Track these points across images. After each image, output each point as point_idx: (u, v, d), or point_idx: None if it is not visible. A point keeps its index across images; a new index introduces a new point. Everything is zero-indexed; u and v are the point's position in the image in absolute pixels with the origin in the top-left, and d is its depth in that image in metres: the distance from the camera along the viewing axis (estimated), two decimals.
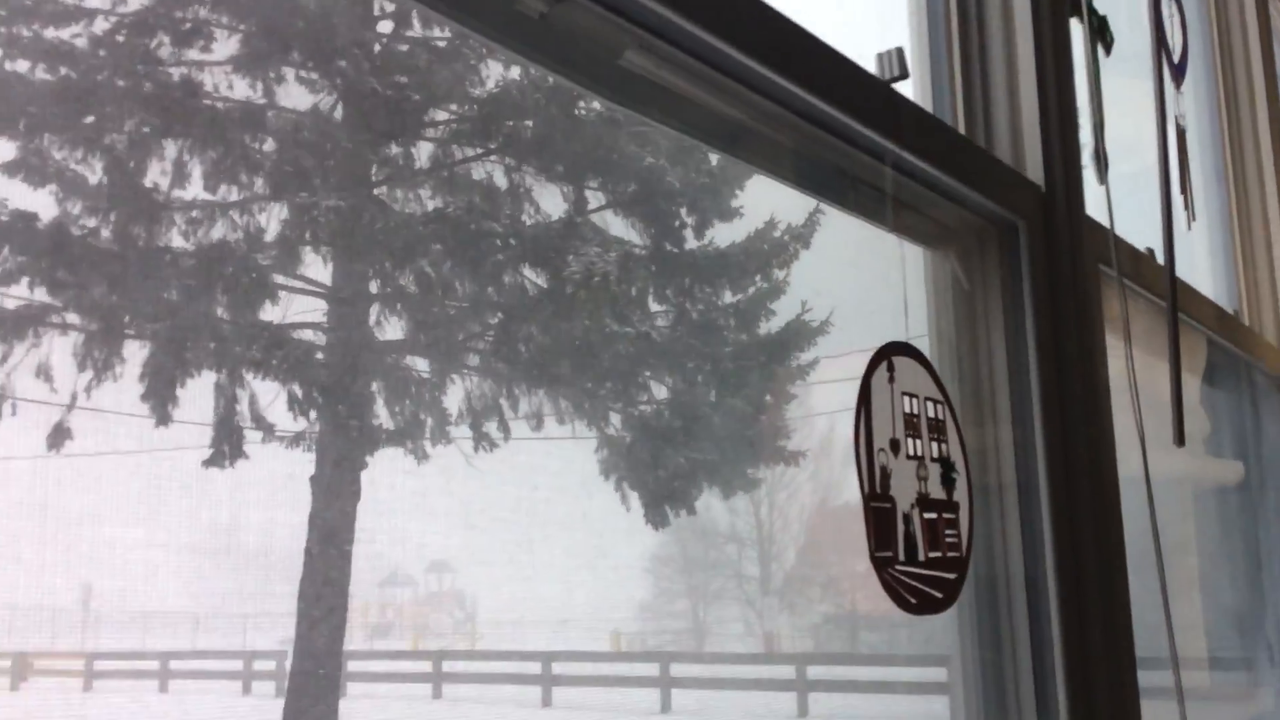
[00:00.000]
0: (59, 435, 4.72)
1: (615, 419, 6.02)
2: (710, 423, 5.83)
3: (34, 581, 4.50)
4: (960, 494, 1.37)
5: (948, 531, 1.33)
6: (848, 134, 1.33)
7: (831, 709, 7.50)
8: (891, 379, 1.27)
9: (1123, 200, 1.81)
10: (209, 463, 5.16)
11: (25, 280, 4.64)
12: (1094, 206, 1.75)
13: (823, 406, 6.91)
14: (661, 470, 5.86)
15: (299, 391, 5.32)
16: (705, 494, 6.34)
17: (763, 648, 7.74)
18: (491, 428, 5.84)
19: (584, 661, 8.03)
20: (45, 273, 4.51)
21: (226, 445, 5.08)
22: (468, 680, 7.53)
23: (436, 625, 7.59)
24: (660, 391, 6.06)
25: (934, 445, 1.33)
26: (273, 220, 5.21)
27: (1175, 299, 1.90)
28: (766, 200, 6.08)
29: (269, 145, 5.18)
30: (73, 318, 4.90)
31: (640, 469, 5.94)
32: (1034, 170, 1.67)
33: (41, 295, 4.74)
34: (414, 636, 7.61)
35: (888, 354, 1.28)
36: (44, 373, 4.66)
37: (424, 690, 7.46)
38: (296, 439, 5.34)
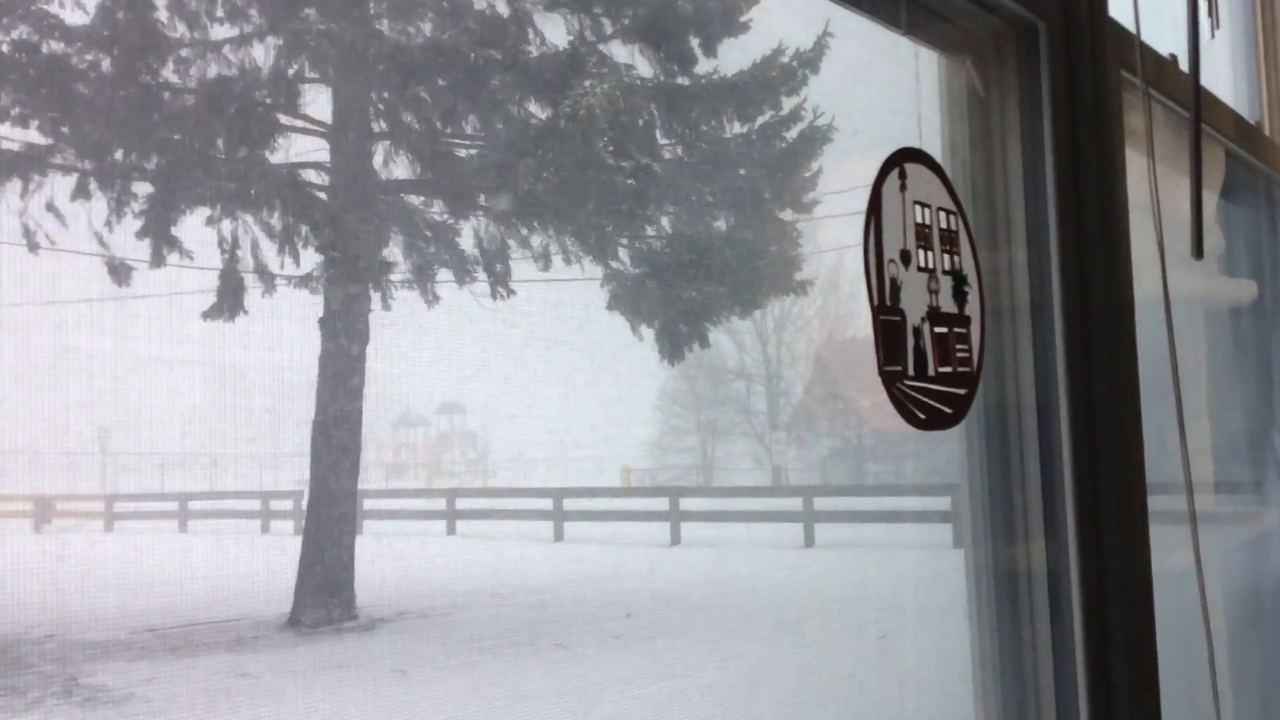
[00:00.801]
0: (75, 279, 4.69)
1: (624, 254, 5.97)
2: (720, 254, 5.78)
3: (52, 425, 4.53)
4: (972, 308, 1.33)
5: (958, 346, 1.30)
6: None
7: (838, 539, 7.64)
8: (903, 187, 1.22)
9: (1146, 4, 1.72)
10: (216, 308, 5.15)
11: (28, 117, 4.56)
12: (1117, 8, 1.67)
13: (830, 242, 6.85)
14: (672, 304, 5.84)
15: (304, 233, 5.27)
16: (715, 329, 6.33)
17: (770, 481, 7.84)
18: (497, 268, 5.80)
19: (594, 497, 8.17)
20: (43, 110, 4.42)
21: (235, 289, 5.06)
22: (481, 517, 7.68)
23: (449, 464, 7.70)
24: (666, 224, 6.00)
25: (946, 257, 1.29)
26: (269, 55, 5.08)
27: (1199, 108, 1.82)
28: (776, 21, 5.91)
29: None
30: (76, 160, 4.82)
31: (651, 303, 5.92)
32: None
33: (43, 134, 4.65)
34: (428, 475, 7.73)
35: (899, 160, 1.22)
36: (54, 213, 4.62)
37: (438, 527, 7.61)
38: (303, 280, 5.31)
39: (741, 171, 5.84)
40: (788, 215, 5.97)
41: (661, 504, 8.02)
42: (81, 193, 4.87)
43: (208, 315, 5.16)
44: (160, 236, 4.79)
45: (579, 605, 6.19)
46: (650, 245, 6.00)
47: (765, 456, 8.08)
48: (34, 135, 4.66)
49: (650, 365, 6.93)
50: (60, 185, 4.75)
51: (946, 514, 7.06)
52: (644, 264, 5.95)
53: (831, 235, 6.74)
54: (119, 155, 4.81)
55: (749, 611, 5.94)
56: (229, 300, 5.10)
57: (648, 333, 6.09)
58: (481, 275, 5.74)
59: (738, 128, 5.95)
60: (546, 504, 7.63)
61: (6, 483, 5.24)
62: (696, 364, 8.14)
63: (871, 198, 1.18)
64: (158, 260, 4.77)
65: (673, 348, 6.06)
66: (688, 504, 8.16)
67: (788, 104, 5.92)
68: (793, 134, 5.90)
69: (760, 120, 5.87)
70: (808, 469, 8.10)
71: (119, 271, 4.81)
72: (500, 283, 5.74)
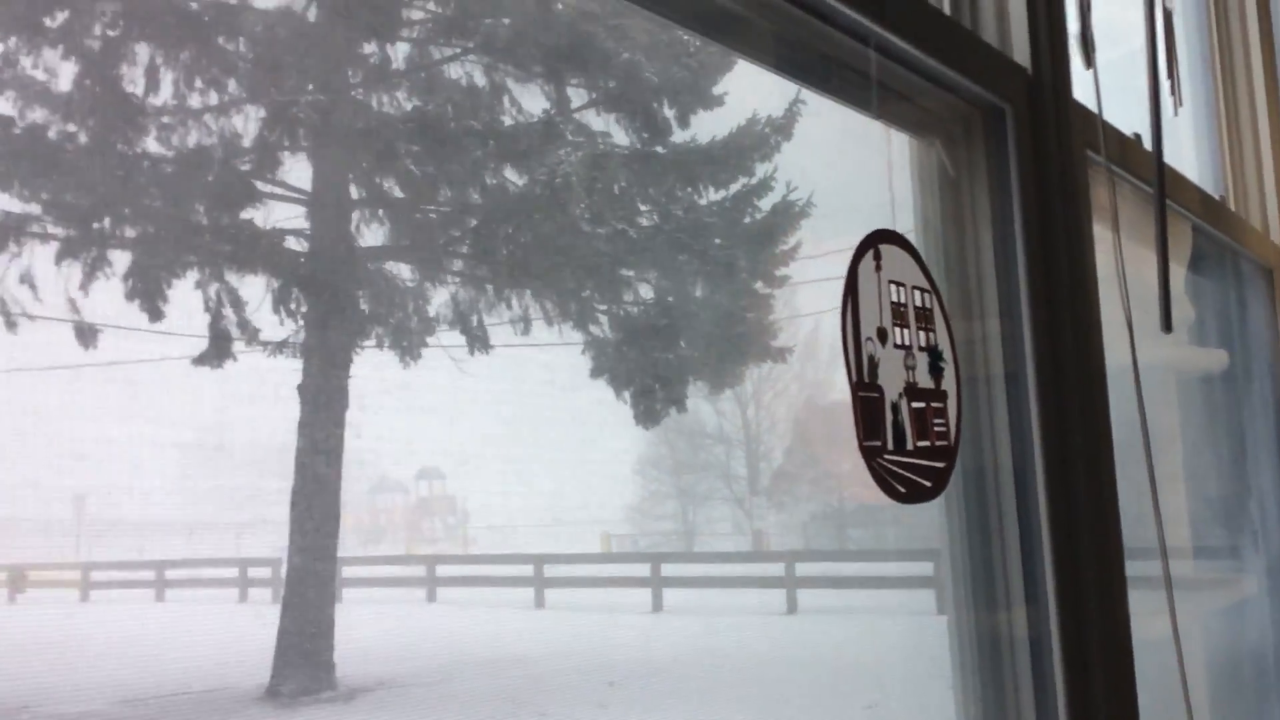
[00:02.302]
0: (48, 345, 4.68)
1: (603, 320, 6.01)
2: (697, 320, 5.83)
3: (27, 493, 4.49)
4: (948, 383, 1.36)
5: (936, 420, 1.32)
6: (830, 15, 1.29)
7: (821, 604, 7.62)
8: (879, 267, 1.25)
9: (1109, 86, 1.77)
10: (197, 363, 5.15)
11: (8, 187, 4.58)
12: (1081, 91, 1.72)
13: (808, 307, 6.90)
14: (650, 369, 5.87)
15: (283, 301, 5.29)
16: (693, 394, 6.36)
17: (752, 546, 7.83)
18: (476, 333, 5.83)
19: (575, 563, 8.13)
20: (25, 179, 4.45)
21: (215, 354, 5.07)
22: (461, 584, 7.63)
23: (429, 530, 7.66)
24: (645, 290, 6.05)
25: (921, 334, 1.32)
26: (250, 124, 5.12)
27: (1163, 184, 1.87)
28: (746, 94, 6.00)
29: (241, 46, 5.08)
30: (55, 227, 4.84)
31: (629, 368, 5.94)
32: (1020, 53, 1.64)
33: (21, 203, 4.67)
34: (407, 542, 7.68)
35: (874, 241, 1.26)
36: (28, 281, 4.62)
37: (418, 594, 7.54)
38: (280, 347, 5.32)
39: (717, 241, 5.91)
40: (761, 287, 6.04)
41: (643, 570, 8.01)
42: (59, 259, 4.88)
43: (186, 381, 5.15)
44: (145, 299, 4.80)
45: (561, 674, 6.14)
46: (628, 311, 6.05)
47: (746, 521, 8.09)
48: (12, 204, 4.68)
49: (629, 430, 6.94)
50: (39, 252, 4.76)
51: (929, 579, 7.06)
52: (621, 329, 5.99)
53: (808, 300, 6.80)
54: (98, 223, 4.83)
55: (734, 680, 5.91)
56: (209, 365, 5.10)
57: (626, 397, 6.12)
58: (460, 340, 5.77)
59: (713, 194, 6.03)
60: (527, 570, 7.59)
61: None
62: (676, 428, 8.16)
63: (848, 278, 1.21)
64: (154, 316, 4.79)
65: (648, 412, 6.09)
66: (669, 570, 8.15)
67: (760, 170, 6.00)
68: (768, 205, 5.99)
69: (734, 187, 5.96)
70: (789, 533, 8.11)
71: (87, 336, 4.82)
72: (479, 347, 5.77)
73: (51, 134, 4.55)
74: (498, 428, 6.31)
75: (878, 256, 1.26)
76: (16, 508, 4.67)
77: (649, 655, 6.54)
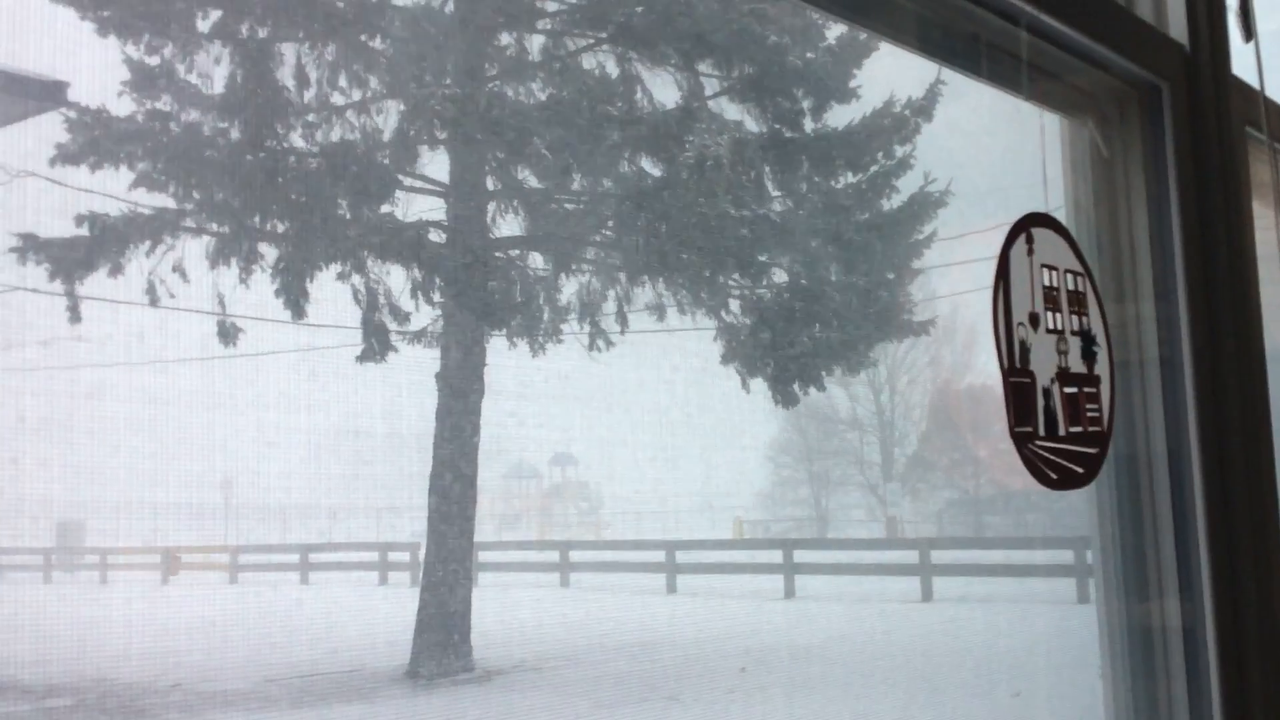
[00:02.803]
0: (197, 337, 4.86)
1: (735, 305, 6.00)
2: (832, 303, 5.79)
3: (179, 479, 4.68)
4: (1101, 368, 1.33)
5: (1089, 406, 1.30)
6: None
7: (957, 592, 7.51)
8: (1030, 251, 1.23)
9: (1271, 59, 1.71)
10: (340, 353, 5.28)
11: (167, 185, 4.77)
12: (1240, 66, 1.66)
13: (945, 289, 6.79)
14: (783, 353, 5.85)
15: (422, 292, 5.40)
16: (828, 376, 6.33)
17: (885, 533, 7.76)
18: (610, 321, 5.88)
19: (708, 549, 8.15)
20: (180, 176, 4.63)
21: (361, 344, 5.20)
22: (595, 569, 7.70)
23: (562, 516, 7.74)
24: (779, 276, 6.03)
25: (1074, 319, 1.29)
26: (390, 118, 5.24)
27: None
28: (883, 78, 5.93)
29: (380, 43, 5.19)
30: (208, 222, 5.02)
31: (762, 353, 5.93)
32: (1177, 29, 1.59)
33: (175, 200, 4.86)
34: (540, 527, 7.77)
35: (1026, 225, 1.24)
36: (180, 273, 4.80)
37: (552, 579, 7.63)
38: (419, 337, 5.43)
39: (852, 224, 5.86)
40: (898, 271, 5.97)
41: (775, 556, 8.00)
42: (209, 253, 5.06)
43: (328, 370, 5.30)
44: (289, 292, 4.95)
45: (693, 659, 6.18)
46: (760, 296, 6.04)
47: (879, 508, 8.01)
48: (167, 200, 4.87)
49: (762, 416, 6.93)
50: (190, 247, 4.95)
51: (1070, 568, 6.91)
52: (754, 314, 5.99)
53: (946, 284, 6.70)
54: (246, 218, 5.00)
55: (872, 666, 5.87)
56: (351, 355, 5.24)
57: (759, 384, 6.12)
58: (595, 328, 5.83)
59: (849, 178, 5.98)
60: (660, 556, 7.65)
61: (134, 536, 5.43)
62: (809, 414, 8.13)
63: (1000, 262, 1.19)
64: (298, 309, 4.94)
65: (782, 396, 6.07)
66: (801, 556, 8.12)
67: (899, 152, 5.93)
68: (906, 189, 5.92)
69: (872, 170, 5.89)
70: (923, 521, 8.01)
71: (233, 328, 4.99)
72: (612, 334, 5.82)
73: (205, 131, 4.74)
74: (630, 414, 6.38)
75: (1029, 240, 1.24)
76: (169, 493, 4.88)
77: (781, 641, 6.54)
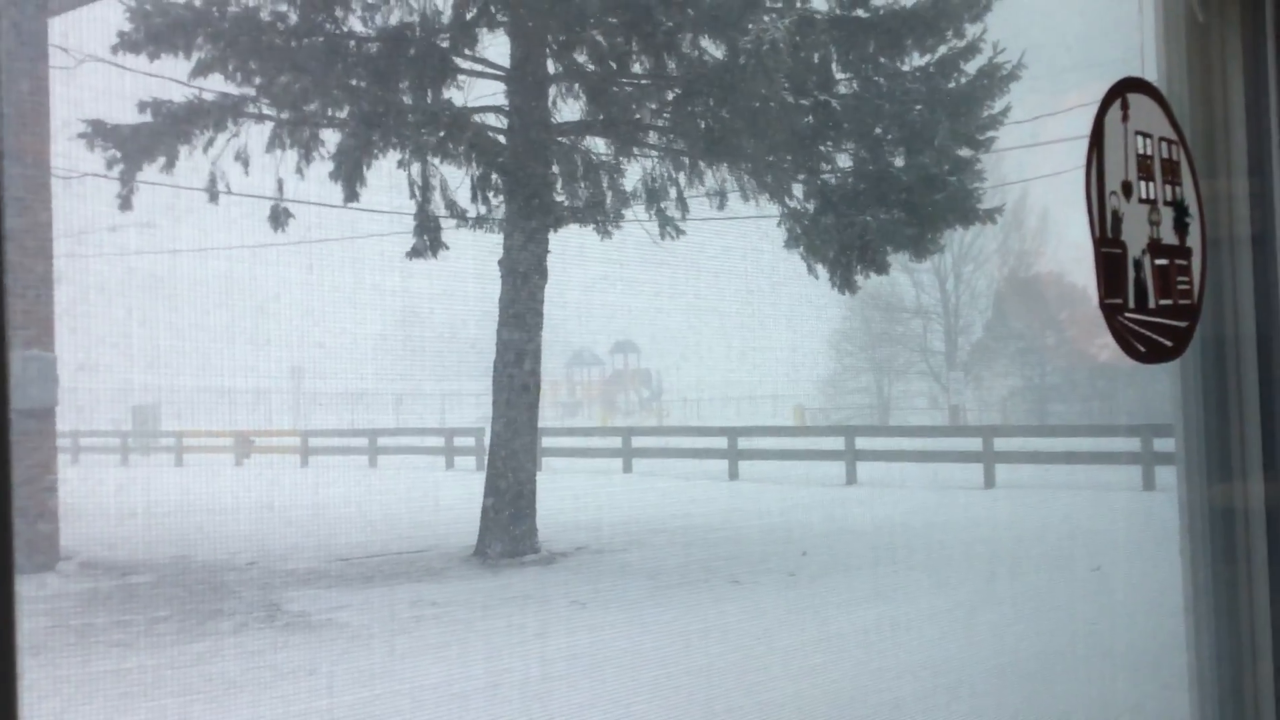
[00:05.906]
0: (272, 219, 4.90)
1: (798, 190, 5.91)
2: (897, 185, 5.67)
3: (250, 365, 4.75)
4: (1193, 240, 1.29)
5: (1179, 279, 1.27)
6: None
7: (1018, 479, 7.48)
8: (1125, 117, 1.19)
9: None
10: (403, 239, 5.29)
11: (227, 67, 4.74)
12: None
13: (1013, 175, 6.64)
14: (848, 237, 5.76)
15: (484, 179, 5.37)
16: (892, 261, 6.24)
17: (947, 421, 7.73)
18: (670, 207, 5.81)
19: (769, 436, 8.17)
20: (239, 61, 4.60)
21: (423, 231, 5.20)
22: (657, 455, 7.76)
23: (624, 403, 7.78)
24: (844, 160, 5.91)
25: (1167, 188, 1.25)
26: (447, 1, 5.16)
27: None
28: None
29: None
30: (268, 109, 5.00)
31: (825, 238, 5.85)
32: None
33: (235, 85, 4.83)
34: (602, 414, 7.83)
35: (1122, 90, 1.19)
36: (243, 160, 4.80)
37: (615, 465, 7.70)
38: (481, 223, 5.41)
39: (918, 107, 5.70)
40: (966, 152, 5.81)
41: (837, 443, 8.01)
42: (272, 140, 5.05)
43: (399, 257, 5.31)
44: (348, 180, 4.94)
45: (754, 543, 6.24)
46: (825, 181, 5.93)
47: (942, 396, 7.96)
48: (228, 86, 4.85)
49: (824, 303, 6.88)
50: (253, 132, 4.94)
51: (1136, 455, 6.84)
52: (819, 198, 5.89)
53: (1014, 168, 6.55)
54: (306, 104, 4.97)
55: (949, 549, 5.89)
56: (418, 242, 5.25)
57: (822, 270, 6.05)
58: (656, 215, 5.78)
59: (917, 59, 5.80)
60: (721, 443, 7.69)
61: (209, 419, 5.53)
62: (871, 302, 8.05)
63: (1094, 128, 1.15)
64: (357, 196, 4.93)
65: (845, 281, 5.99)
66: (863, 443, 8.12)
67: (970, 32, 5.73)
68: (975, 68, 5.72)
69: (940, 51, 5.71)
70: (986, 409, 7.95)
71: (294, 215, 4.99)
72: (674, 221, 5.76)
73: (264, 15, 4.69)
74: (691, 301, 6.35)
75: (1125, 106, 1.20)
76: (240, 379, 4.95)
77: (843, 526, 6.57)
